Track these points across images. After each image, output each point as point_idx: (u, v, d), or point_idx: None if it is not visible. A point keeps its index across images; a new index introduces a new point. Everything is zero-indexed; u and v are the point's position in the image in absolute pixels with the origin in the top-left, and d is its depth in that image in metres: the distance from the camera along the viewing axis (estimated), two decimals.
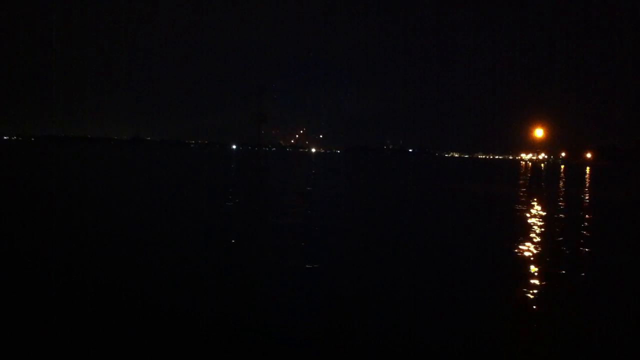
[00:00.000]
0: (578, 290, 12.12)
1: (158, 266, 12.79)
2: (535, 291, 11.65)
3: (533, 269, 13.93)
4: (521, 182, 63.07)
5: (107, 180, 42.06)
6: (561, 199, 39.26)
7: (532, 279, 12.79)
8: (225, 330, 8.77)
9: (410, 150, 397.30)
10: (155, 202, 27.03)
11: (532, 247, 16.92)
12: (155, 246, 15.31)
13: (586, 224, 24.76)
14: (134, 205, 25.68)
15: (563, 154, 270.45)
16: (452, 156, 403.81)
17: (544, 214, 27.61)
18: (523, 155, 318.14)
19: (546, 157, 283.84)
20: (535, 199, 36.69)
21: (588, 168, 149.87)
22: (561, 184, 62.25)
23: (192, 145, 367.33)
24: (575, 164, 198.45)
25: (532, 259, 15.21)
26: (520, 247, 16.90)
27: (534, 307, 10.62)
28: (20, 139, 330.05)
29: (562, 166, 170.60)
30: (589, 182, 68.81)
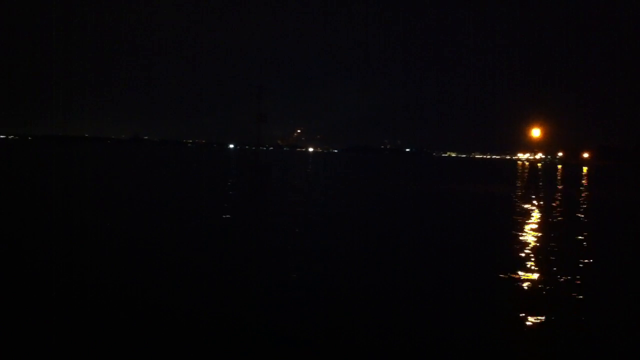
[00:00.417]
0: (578, 290, 12.16)
1: (157, 266, 12.79)
2: (535, 290, 11.70)
3: (533, 268, 13.97)
4: (518, 182, 63.15)
5: (106, 179, 41.99)
6: (558, 199, 39.35)
7: (532, 278, 12.83)
8: (225, 330, 8.79)
9: (408, 149, 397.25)
10: (154, 202, 27.00)
11: (531, 247, 16.98)
12: (155, 246, 15.31)
13: (584, 224, 24.84)
14: (133, 205, 25.65)
15: (560, 154, 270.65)
16: (450, 156, 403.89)
17: (541, 214, 27.68)
18: (520, 155, 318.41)
19: (543, 157, 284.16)
20: (532, 199, 36.75)
21: (585, 168, 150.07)
22: (559, 184, 62.35)
23: (189, 145, 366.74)
24: (573, 164, 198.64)
25: (531, 258, 15.25)
26: (518, 246, 16.97)
27: (534, 306, 10.65)
28: (17, 138, 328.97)
29: (560, 166, 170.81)
30: (586, 182, 68.94)
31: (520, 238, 18.75)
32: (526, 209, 29.71)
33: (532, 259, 15.20)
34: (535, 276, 13.12)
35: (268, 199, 32.67)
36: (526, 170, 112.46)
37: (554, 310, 10.57)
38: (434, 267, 14.09)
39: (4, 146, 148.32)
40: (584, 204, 36.11)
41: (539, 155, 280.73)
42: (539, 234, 20.07)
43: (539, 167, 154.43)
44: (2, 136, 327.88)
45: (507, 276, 13.04)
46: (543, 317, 10.05)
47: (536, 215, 26.86)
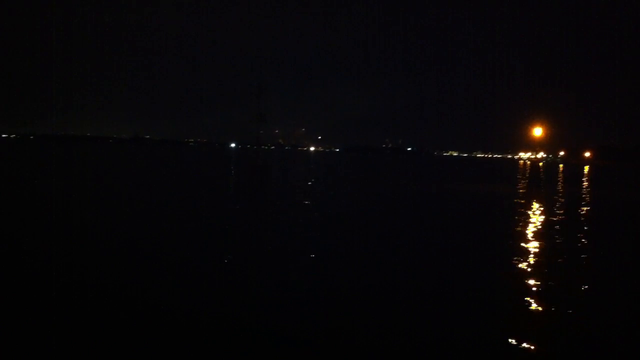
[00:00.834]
0: (577, 290, 12.16)
1: (157, 265, 12.79)
2: (534, 291, 11.69)
3: (532, 268, 13.95)
4: (520, 181, 63.09)
5: (107, 179, 42.03)
6: (560, 198, 39.30)
7: (532, 278, 12.82)
8: (225, 330, 8.78)
9: (409, 149, 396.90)
10: (155, 201, 27.02)
11: (531, 247, 16.96)
12: (156, 245, 15.32)
13: (585, 223, 24.81)
14: (134, 204, 25.67)
15: (562, 153, 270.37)
16: (451, 155, 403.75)
17: (542, 213, 27.65)
18: (522, 154, 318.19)
19: (545, 156, 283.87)
20: (534, 199, 36.72)
21: (587, 167, 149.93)
22: (560, 183, 62.28)
23: (191, 144, 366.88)
24: (574, 163, 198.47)
25: (530, 258, 15.24)
26: (519, 246, 16.95)
27: (533, 306, 10.64)
28: (19, 137, 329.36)
29: (561, 165, 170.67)
30: (587, 182, 68.86)
31: (521, 237, 18.72)
32: (527, 208, 29.66)
33: (533, 259, 15.18)
34: (535, 276, 13.10)
35: (268, 198, 32.66)
36: (527, 170, 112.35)
37: (553, 310, 10.56)
38: (434, 267, 14.07)
39: (6, 145, 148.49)
40: (585, 203, 36.05)
41: (541, 155, 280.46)
42: (540, 233, 20.03)
43: (541, 166, 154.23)
44: (3, 135, 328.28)
45: (507, 276, 13.03)
46: (543, 317, 10.05)
47: (537, 214, 26.81)
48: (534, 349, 8.58)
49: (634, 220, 28.31)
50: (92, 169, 54.40)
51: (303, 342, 8.41)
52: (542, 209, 30.12)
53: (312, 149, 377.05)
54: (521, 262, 14.74)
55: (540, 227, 22.19)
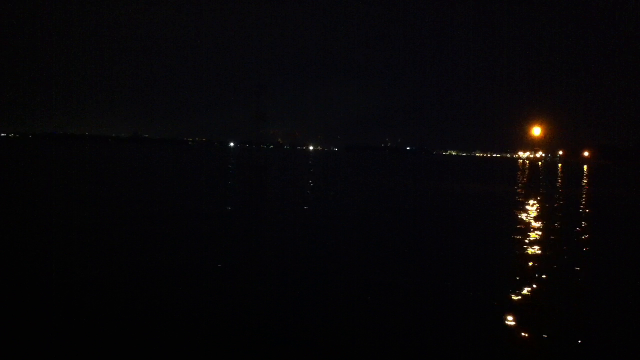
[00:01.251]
0: (577, 290, 12.18)
1: (156, 266, 12.77)
2: (534, 290, 11.70)
3: (531, 268, 13.96)
4: (519, 180, 63.18)
5: (105, 178, 42.02)
6: (559, 197, 39.36)
7: (531, 278, 12.82)
8: (225, 330, 8.78)
9: (408, 148, 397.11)
10: (154, 201, 27.01)
11: (530, 247, 16.98)
12: (154, 246, 15.29)
13: (584, 222, 24.84)
14: (133, 204, 25.65)
15: (561, 153, 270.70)
16: (450, 154, 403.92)
17: (542, 212, 27.70)
18: (521, 154, 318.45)
19: (544, 155, 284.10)
20: (533, 198, 36.78)
21: (586, 167, 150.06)
22: (559, 182, 62.37)
23: (190, 143, 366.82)
24: (573, 163, 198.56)
25: (530, 258, 15.25)
26: (519, 246, 16.97)
27: (533, 306, 10.66)
28: (18, 136, 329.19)
29: (560, 165, 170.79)
30: (587, 181, 68.94)
31: (520, 237, 18.74)
32: (527, 207, 29.71)
33: (532, 259, 15.21)
34: (535, 275, 13.12)
35: (267, 198, 32.69)
36: (527, 169, 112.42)
37: (553, 309, 10.59)
38: (434, 267, 14.08)
39: (5, 145, 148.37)
40: (585, 202, 36.11)
41: (540, 154, 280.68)
42: (540, 233, 20.07)
43: (540, 165, 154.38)
44: (2, 134, 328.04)
45: (507, 275, 13.05)
46: (543, 317, 10.07)
47: (537, 213, 26.85)
48: (534, 349, 8.61)
49: (633, 219, 28.36)
50: (91, 169, 54.36)
51: (303, 343, 8.42)
52: (541, 208, 30.16)
53: (311, 148, 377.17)
54: (520, 260, 14.76)
55: (539, 225, 22.22)
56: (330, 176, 59.14)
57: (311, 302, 10.52)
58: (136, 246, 15.11)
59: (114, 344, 8.04)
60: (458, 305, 10.59)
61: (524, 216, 25.53)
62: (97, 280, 11.35)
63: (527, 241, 18.04)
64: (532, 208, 29.78)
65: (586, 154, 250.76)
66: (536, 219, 24.91)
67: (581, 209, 31.47)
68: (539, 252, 16.32)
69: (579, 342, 9.00)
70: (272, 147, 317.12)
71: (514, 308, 10.49)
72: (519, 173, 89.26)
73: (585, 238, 19.94)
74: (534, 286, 12.13)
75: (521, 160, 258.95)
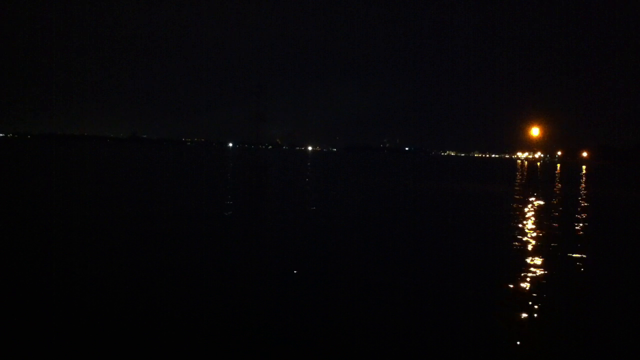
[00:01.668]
0: (577, 290, 12.21)
1: (156, 266, 12.77)
2: (534, 290, 11.72)
3: (531, 268, 13.96)
4: (517, 181, 63.22)
5: (106, 178, 41.95)
6: (557, 197, 39.41)
7: (531, 278, 12.84)
8: (224, 330, 8.80)
9: (407, 149, 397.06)
10: (153, 202, 26.98)
11: (529, 247, 17.01)
12: (154, 246, 15.28)
13: (583, 222, 24.88)
14: (132, 204, 25.63)
15: (559, 153, 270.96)
16: (449, 155, 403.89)
17: (540, 212, 27.72)
18: (519, 154, 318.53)
19: (542, 156, 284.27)
20: (531, 198, 36.81)
21: (584, 167, 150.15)
22: (557, 182, 62.41)
23: (189, 144, 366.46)
24: (572, 163, 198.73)
25: (529, 258, 15.26)
26: (518, 246, 17.00)
27: (533, 306, 10.68)
28: (16, 136, 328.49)
29: (559, 165, 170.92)
30: (585, 181, 69.01)
31: (519, 236, 18.77)
32: (525, 207, 29.74)
33: (532, 258, 15.23)
34: (536, 275, 13.15)
35: (267, 199, 32.68)
36: (525, 170, 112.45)
37: (554, 309, 10.62)
38: (434, 266, 14.10)
39: (4, 144, 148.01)
40: (583, 203, 36.16)
41: (538, 155, 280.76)
42: (538, 233, 20.09)
43: (538, 166, 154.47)
44: (1, 135, 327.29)
45: (507, 275, 13.08)
46: (543, 316, 10.09)
47: (535, 213, 26.89)
48: (532, 349, 8.65)
49: (631, 219, 28.41)
50: (90, 169, 54.25)
51: (303, 343, 8.44)
52: (539, 208, 30.19)
53: (309, 148, 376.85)
54: (520, 260, 14.77)
55: (537, 225, 22.25)
56: (330, 176, 59.11)
57: (311, 301, 10.54)
58: (136, 246, 15.10)
59: (114, 343, 8.06)
60: (458, 305, 10.62)
61: (522, 216, 25.56)
62: (97, 280, 11.35)
63: (526, 241, 18.06)
64: (531, 208, 29.81)
65: (585, 154, 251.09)
66: (535, 219, 24.94)
67: (579, 209, 31.50)
68: (539, 252, 16.34)
69: (579, 342, 9.05)
70: (270, 147, 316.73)
71: (514, 308, 10.52)
72: (518, 173, 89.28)
73: (584, 238, 19.97)
74: (534, 286, 12.15)
75: (520, 161, 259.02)
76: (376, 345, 8.39)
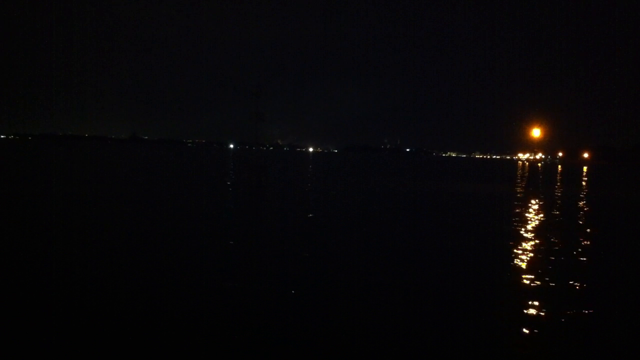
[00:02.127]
0: (577, 289, 12.17)
1: (156, 267, 12.78)
2: (534, 290, 11.70)
3: (531, 268, 13.95)
4: (519, 182, 63.17)
5: (106, 179, 41.96)
6: (559, 198, 39.35)
7: (531, 278, 12.82)
8: (224, 330, 8.78)
9: (408, 149, 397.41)
10: (153, 202, 27.01)
11: (529, 246, 16.98)
12: (154, 246, 15.31)
13: (584, 222, 24.84)
14: (132, 204, 25.65)
15: (560, 154, 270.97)
16: (450, 156, 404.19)
17: (541, 213, 27.67)
18: (520, 155, 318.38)
19: (543, 157, 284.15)
20: (533, 199, 36.77)
21: (585, 168, 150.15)
22: (559, 183, 62.37)
23: (189, 144, 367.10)
24: (573, 164, 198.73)
25: (530, 258, 15.26)
26: (518, 246, 16.96)
27: (533, 306, 10.65)
28: (17, 137, 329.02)
29: (560, 166, 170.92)
30: (586, 182, 68.96)
31: (520, 237, 18.73)
32: (526, 208, 29.68)
33: (532, 258, 15.20)
34: (535, 275, 13.11)
35: (267, 199, 32.65)
36: (526, 170, 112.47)
37: (553, 308, 10.58)
38: (434, 267, 14.07)
39: (5, 146, 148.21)
40: (584, 203, 36.10)
41: (539, 155, 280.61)
42: (539, 233, 20.06)
43: (539, 167, 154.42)
44: (2, 136, 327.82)
45: (507, 275, 13.04)
46: (542, 317, 10.05)
47: (536, 214, 26.83)
48: (533, 349, 8.60)
49: (632, 219, 28.35)
50: (90, 169, 54.29)
51: (303, 343, 8.41)
52: (540, 209, 30.15)
53: (310, 149, 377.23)
54: (521, 260, 14.76)
55: (539, 227, 22.21)
56: (331, 177, 59.12)
57: (312, 301, 10.51)
58: (136, 246, 15.10)
59: (114, 343, 8.03)
60: (458, 305, 10.58)
61: (523, 217, 25.50)
62: (97, 279, 11.34)
63: (526, 241, 18.02)
64: (532, 209, 29.76)
65: (586, 155, 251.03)
66: (535, 219, 24.89)
67: (580, 210, 31.46)
68: (539, 251, 16.31)
69: (579, 341, 8.99)
70: (271, 148, 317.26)
71: (514, 307, 10.48)
72: (519, 174, 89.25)
73: (584, 238, 19.91)
74: (534, 286, 12.12)
75: (520, 162, 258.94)
76: (376, 345, 8.34)
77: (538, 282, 12.47)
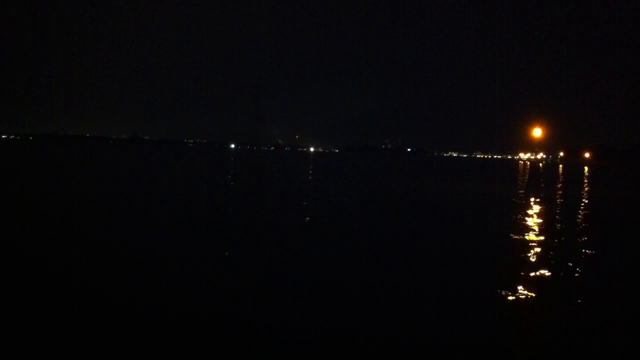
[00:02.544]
0: (577, 289, 12.14)
1: (156, 267, 12.78)
2: (533, 290, 11.67)
3: (531, 267, 13.94)
4: (520, 182, 63.12)
5: (107, 179, 41.97)
6: (560, 198, 39.30)
7: (531, 277, 12.81)
8: (224, 330, 8.76)
9: (409, 149, 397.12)
10: (154, 202, 27.00)
11: (530, 246, 16.95)
12: (155, 246, 15.31)
13: (584, 222, 24.80)
14: (134, 204, 25.66)
15: (561, 154, 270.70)
16: (451, 155, 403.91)
17: (542, 213, 27.63)
18: (521, 155, 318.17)
19: (544, 156, 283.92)
20: (534, 199, 36.72)
21: (586, 168, 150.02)
22: (560, 183, 62.31)
23: (190, 145, 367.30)
24: (574, 164, 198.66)
25: (530, 257, 15.24)
26: (519, 245, 16.94)
27: (533, 306, 10.63)
28: (18, 138, 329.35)
29: (561, 166, 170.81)
30: (587, 182, 68.88)
31: (521, 236, 18.70)
32: (527, 207, 29.64)
33: (532, 258, 15.18)
34: (535, 275, 13.09)
35: (267, 199, 32.64)
36: (527, 170, 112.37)
37: (553, 308, 10.56)
38: (435, 266, 14.04)
39: (6, 146, 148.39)
40: (585, 203, 36.05)
41: (540, 155, 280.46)
42: (540, 233, 20.02)
43: (540, 166, 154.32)
44: (3, 136, 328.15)
45: (507, 275, 13.01)
46: (542, 317, 10.03)
47: (537, 213, 26.79)
48: (533, 348, 8.58)
49: (633, 219, 28.30)
50: (92, 169, 54.32)
51: (302, 343, 8.39)
52: (541, 208, 30.10)
53: (311, 149, 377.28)
54: (521, 261, 14.73)
55: (539, 225, 22.17)
56: (331, 177, 59.11)
57: (312, 301, 10.50)
58: (136, 246, 15.10)
59: (115, 342, 8.01)
60: (458, 305, 10.55)
61: (524, 216, 25.46)
62: (97, 279, 11.33)
63: (527, 240, 17.99)
64: (533, 208, 29.72)
65: (586, 154, 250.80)
66: (536, 218, 24.85)
67: (581, 209, 31.42)
68: (539, 251, 16.29)
69: (579, 341, 8.97)
70: (272, 148, 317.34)
71: (514, 307, 10.47)
72: (520, 174, 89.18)
73: (585, 238, 19.87)
74: (534, 285, 12.10)
75: (522, 162, 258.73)
76: (376, 346, 8.31)
77: (538, 282, 12.45)
